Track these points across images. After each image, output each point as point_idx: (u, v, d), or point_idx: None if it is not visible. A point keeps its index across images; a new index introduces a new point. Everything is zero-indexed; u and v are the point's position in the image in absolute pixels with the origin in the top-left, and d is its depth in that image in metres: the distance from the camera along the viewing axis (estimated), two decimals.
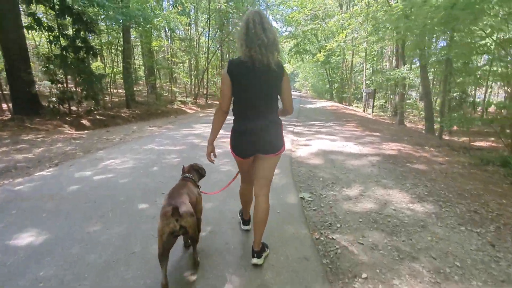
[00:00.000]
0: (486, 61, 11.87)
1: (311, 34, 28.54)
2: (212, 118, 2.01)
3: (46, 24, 8.58)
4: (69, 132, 7.77)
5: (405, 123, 14.25)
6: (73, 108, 10.06)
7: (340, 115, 13.05)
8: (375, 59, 24.99)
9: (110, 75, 13.72)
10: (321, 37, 29.78)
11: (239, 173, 2.20)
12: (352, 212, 2.80)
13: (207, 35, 21.52)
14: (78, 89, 10.01)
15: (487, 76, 6.52)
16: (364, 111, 17.88)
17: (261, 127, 1.83)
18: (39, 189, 3.25)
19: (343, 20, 20.46)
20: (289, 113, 2.03)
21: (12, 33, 8.06)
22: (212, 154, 2.08)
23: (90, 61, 13.60)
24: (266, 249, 2.04)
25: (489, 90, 17.88)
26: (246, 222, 2.37)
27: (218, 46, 22.40)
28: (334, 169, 4.26)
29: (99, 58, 17.14)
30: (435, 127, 10.08)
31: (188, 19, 19.17)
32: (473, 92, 17.74)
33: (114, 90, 14.89)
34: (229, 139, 1.99)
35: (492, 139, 9.89)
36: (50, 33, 8.56)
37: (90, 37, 11.66)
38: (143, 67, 19.92)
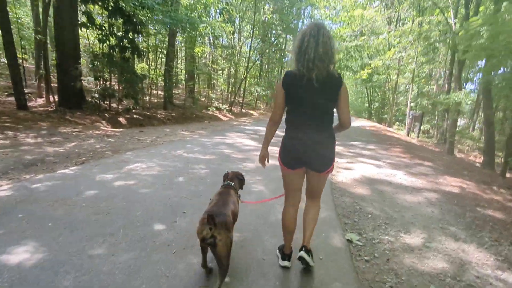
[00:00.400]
0: None
1: (354, 51, 27.58)
2: (264, 128, 2.05)
3: (98, 23, 8.90)
4: (105, 128, 7.83)
5: (454, 153, 12.82)
6: (114, 105, 10.30)
7: (382, 137, 12.05)
8: (422, 80, 23.38)
9: (152, 76, 14.09)
10: (365, 54, 28.69)
11: (284, 193, 2.06)
12: (418, 272, 2.13)
13: (249, 45, 21.65)
14: (120, 87, 10.25)
15: None
16: (408, 135, 16.52)
17: (311, 140, 1.78)
18: (55, 190, 2.99)
19: (393, 37, 19.39)
20: (346, 128, 1.90)
21: (67, 29, 8.44)
22: (265, 159, 2.08)
23: (135, 61, 14.17)
24: (311, 253, 1.96)
25: None
26: (286, 256, 2.00)
27: (258, 56, 22.40)
28: (384, 203, 3.58)
29: (144, 59, 17.97)
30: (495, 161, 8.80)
31: (233, 27, 19.37)
32: None
33: (155, 92, 15.26)
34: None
35: None
36: (100, 32, 8.85)
37: (138, 39, 12.08)
38: (184, 71, 20.45)
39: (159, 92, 16.24)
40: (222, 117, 15.21)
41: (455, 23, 12.10)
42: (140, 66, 16.48)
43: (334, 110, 1.83)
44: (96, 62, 9.08)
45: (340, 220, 2.93)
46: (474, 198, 4.14)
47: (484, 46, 4.85)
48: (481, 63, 19.87)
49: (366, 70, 20.50)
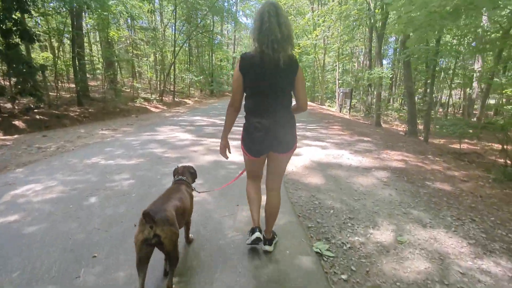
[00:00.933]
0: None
1: None
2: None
3: None
4: None
5: (381, 124, 13.96)
6: (8, 105, 8.15)
7: (319, 116, 12.32)
8: (346, 58, 24.96)
9: (60, 66, 11.68)
10: (293, 34, 29.21)
11: (245, 171, 2.09)
12: (404, 283, 1.78)
13: (173, 27, 19.79)
14: (11, 82, 8.11)
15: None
16: (340, 111, 17.45)
17: (274, 124, 1.75)
18: None
19: (317, 17, 19.91)
20: (303, 110, 1.89)
21: None
22: (226, 149, 1.99)
23: (31, 50, 11.50)
24: (275, 237, 2.12)
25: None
26: (256, 229, 1.94)
27: (185, 39, 20.73)
28: (342, 192, 3.27)
29: (48, 47, 14.85)
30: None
31: (151, 6, 17.29)
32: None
33: (67, 85, 12.79)
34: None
35: (467, 141, 9.68)
36: None
37: (33, 21, 9.67)
38: (101, 60, 17.74)
39: (73, 86, 13.74)
40: (152, 109, 13.65)
41: (371, 1, 12.73)
42: (42, 56, 13.59)
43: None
44: None
45: (302, 225, 2.47)
46: (419, 171, 4.17)
47: (408, 18, 4.89)
48: (394, 39, 22.02)
49: (296, 50, 20.82)
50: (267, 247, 1.98)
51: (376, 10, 12.36)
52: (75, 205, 2.68)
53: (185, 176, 2.03)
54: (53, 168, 3.80)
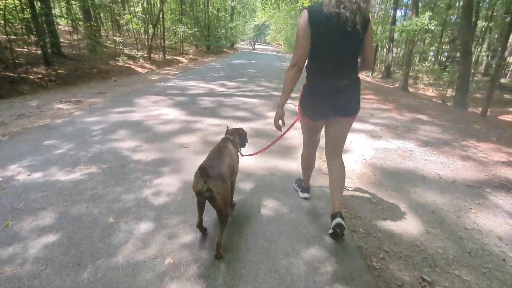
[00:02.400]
0: None
1: None
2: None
3: None
4: None
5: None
6: None
7: None
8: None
9: (9, 16, 9.23)
10: None
11: (305, 138, 1.95)
12: None
13: None
14: None
15: None
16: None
17: (340, 88, 1.59)
18: None
19: None
20: (368, 69, 1.78)
21: None
22: (280, 120, 1.73)
23: None
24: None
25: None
26: (305, 189, 2.09)
27: None
28: (478, 265, 1.60)
29: None
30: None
31: None
32: None
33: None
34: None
35: None
36: None
37: None
38: (76, 7, 14.85)
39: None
40: (139, 69, 11.44)
41: None
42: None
43: None
44: None
45: None
46: None
47: None
48: None
49: None
50: (339, 220, 1.61)
51: None
52: None
53: (233, 136, 1.97)
54: None
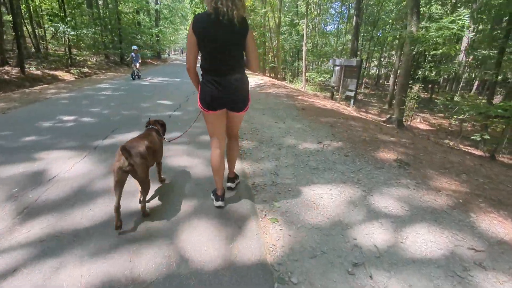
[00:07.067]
0: None
1: None
2: None
3: None
4: None
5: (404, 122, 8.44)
6: None
7: (314, 114, 6.06)
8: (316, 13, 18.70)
9: None
10: None
11: (209, 133, 2.15)
12: None
13: None
14: None
15: None
16: (332, 98, 11.33)
17: (229, 84, 1.86)
18: None
19: None
20: (253, 68, 2.00)
21: None
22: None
23: None
24: (237, 176, 2.52)
25: None
26: (219, 197, 2.23)
27: None
28: None
29: None
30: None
31: None
32: None
33: None
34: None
35: None
36: None
37: None
38: None
39: None
40: None
41: None
42: None
43: None
44: None
45: None
46: None
47: None
48: None
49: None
50: (230, 184, 2.43)
51: None
52: None
53: (156, 126, 2.33)
54: None
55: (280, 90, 10.03)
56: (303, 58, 15.33)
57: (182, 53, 47.50)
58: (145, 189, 1.91)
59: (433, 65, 16.42)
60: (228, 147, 2.27)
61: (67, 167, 2.68)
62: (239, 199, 2.35)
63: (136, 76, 10.35)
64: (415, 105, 9.23)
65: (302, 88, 15.24)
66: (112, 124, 4.21)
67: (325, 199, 2.48)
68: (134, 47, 10.60)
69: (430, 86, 18.03)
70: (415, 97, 8.32)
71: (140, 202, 2.01)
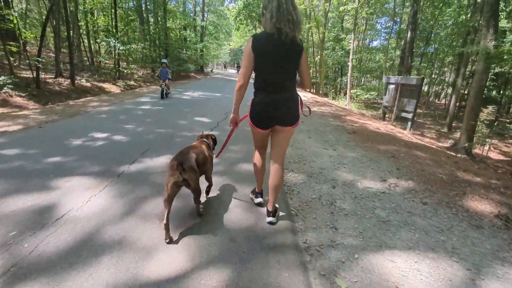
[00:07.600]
0: None
1: None
2: None
3: None
4: None
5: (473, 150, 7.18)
6: None
7: (369, 139, 5.24)
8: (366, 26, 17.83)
9: None
10: None
11: (254, 144, 2.23)
12: None
13: None
14: None
15: None
16: (384, 119, 10.36)
17: (282, 101, 1.90)
18: None
19: None
20: (306, 87, 2.07)
21: None
22: (236, 120, 2.06)
23: None
24: (277, 209, 2.24)
25: None
26: (258, 194, 2.37)
27: None
28: None
29: None
30: None
31: None
32: None
33: None
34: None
35: None
36: None
37: None
38: None
39: None
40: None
41: None
42: None
43: None
44: None
45: None
46: None
47: None
48: None
49: None
50: (271, 219, 2.15)
51: None
52: None
53: (208, 139, 2.43)
54: None
55: (324, 108, 9.26)
56: (349, 74, 14.42)
57: (225, 67, 49.10)
58: (197, 195, 2.03)
59: (499, 82, 14.50)
60: (271, 172, 2.13)
61: (81, 201, 2.25)
62: (288, 268, 1.70)
63: (165, 95, 8.73)
64: (487, 130, 7.86)
65: (346, 105, 14.28)
66: (143, 144, 3.84)
67: (412, 279, 1.72)
68: (163, 60, 9.35)
69: (495, 107, 15.90)
70: (493, 122, 7.04)
71: (194, 202, 2.11)
